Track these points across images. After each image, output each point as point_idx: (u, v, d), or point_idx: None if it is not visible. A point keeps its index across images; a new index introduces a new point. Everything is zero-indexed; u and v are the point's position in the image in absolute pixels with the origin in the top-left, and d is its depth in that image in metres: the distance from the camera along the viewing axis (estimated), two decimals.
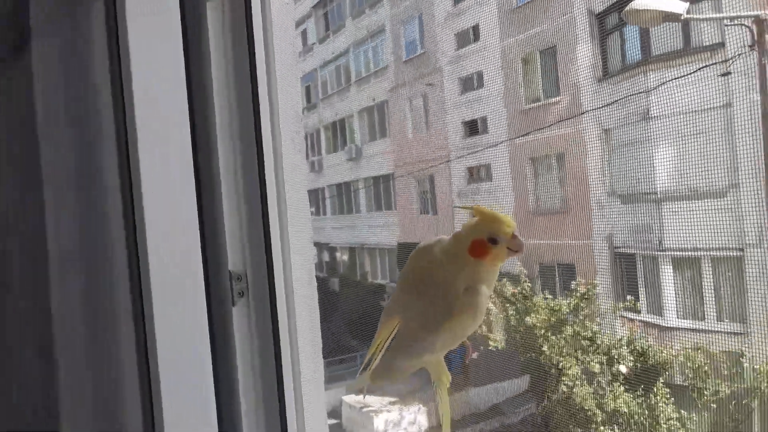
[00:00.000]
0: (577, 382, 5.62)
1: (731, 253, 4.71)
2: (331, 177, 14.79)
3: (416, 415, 8.75)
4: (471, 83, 9.02)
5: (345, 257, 14.78)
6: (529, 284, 6.48)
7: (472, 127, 8.93)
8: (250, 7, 1.01)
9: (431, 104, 10.12)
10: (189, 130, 0.93)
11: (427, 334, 0.78)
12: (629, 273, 5.68)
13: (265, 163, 0.99)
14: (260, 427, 1.00)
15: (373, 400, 9.38)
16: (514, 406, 7.71)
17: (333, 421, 9.56)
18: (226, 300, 0.96)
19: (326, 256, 15.53)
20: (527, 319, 6.17)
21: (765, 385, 4.40)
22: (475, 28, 8.82)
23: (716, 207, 4.60)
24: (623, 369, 5.51)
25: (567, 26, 5.89)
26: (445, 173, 9.56)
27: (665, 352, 5.29)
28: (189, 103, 0.94)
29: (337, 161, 14.49)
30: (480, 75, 8.65)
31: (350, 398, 9.69)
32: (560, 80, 6.23)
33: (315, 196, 15.71)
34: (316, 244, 15.45)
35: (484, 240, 0.72)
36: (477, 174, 9.00)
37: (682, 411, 4.99)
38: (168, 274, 0.89)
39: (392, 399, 9.28)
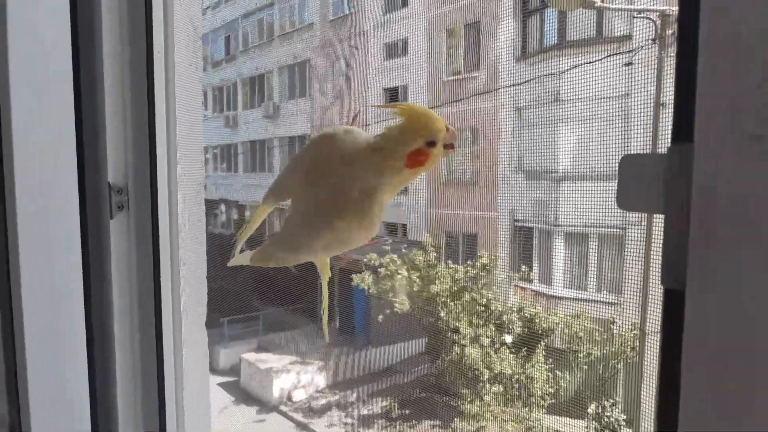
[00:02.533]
0: (469, 344, 5.99)
1: (615, 231, 5.18)
2: (246, 133, 14.34)
3: (314, 375, 8.91)
4: (395, 50, 9.06)
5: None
6: (435, 254, 6.75)
7: (393, 94, 9.00)
8: None
9: (354, 67, 10.06)
10: (69, 20, 0.82)
11: (309, 230, 0.71)
12: (526, 246, 6.07)
13: (155, 75, 0.90)
14: (135, 348, 0.94)
15: (273, 359, 9.42)
16: (410, 366, 8.07)
17: (232, 379, 9.50)
18: (104, 212, 0.90)
19: (235, 214, 15.14)
20: (432, 287, 6.42)
21: (629, 349, 4.94)
22: None
23: (607, 189, 5.02)
24: (508, 339, 5.93)
25: (492, 3, 6.07)
26: None
27: (550, 319, 5.76)
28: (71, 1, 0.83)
29: (253, 118, 14.06)
30: (405, 42, 8.70)
31: (250, 356, 9.65)
32: (481, 56, 6.43)
33: (228, 152, 15.18)
34: (225, 201, 15.00)
35: (421, 148, 0.63)
36: None
37: (557, 371, 5.51)
38: (37, 182, 0.79)
39: (291, 358, 9.37)
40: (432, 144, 0.64)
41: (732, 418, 0.37)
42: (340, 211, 0.68)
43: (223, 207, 15.18)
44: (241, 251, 0.89)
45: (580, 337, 5.42)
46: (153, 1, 0.91)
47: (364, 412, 7.90)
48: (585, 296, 5.59)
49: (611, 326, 5.19)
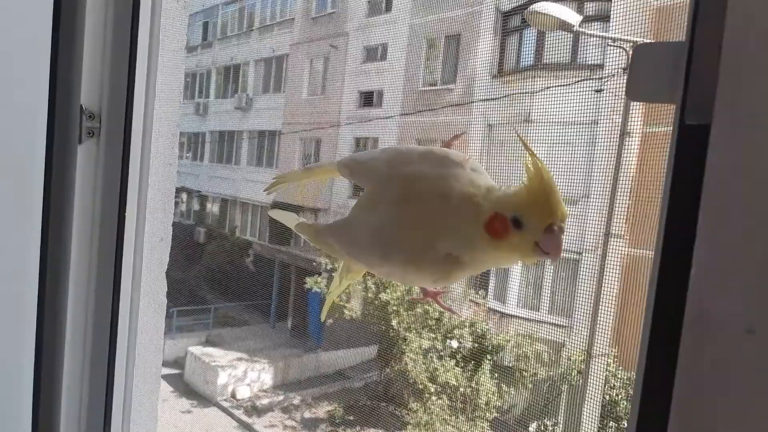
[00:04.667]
0: (416, 357, 5.99)
1: (571, 256, 5.26)
2: (216, 123, 14.10)
3: (261, 373, 8.77)
4: (375, 54, 9.06)
5: (215, 208, 14.24)
6: None
7: (368, 98, 8.99)
8: None
9: (331, 67, 10.01)
10: None
11: (378, 250, 0.62)
12: None
13: None
14: (90, 276, 0.89)
15: (220, 354, 9.23)
16: (360, 372, 8.02)
17: (176, 371, 9.26)
18: (72, 137, 0.85)
19: (196, 205, 14.83)
20: (382, 295, 6.40)
21: (575, 372, 5.02)
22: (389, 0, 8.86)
23: (570, 213, 5.11)
24: (454, 344, 5.95)
25: (474, 18, 6.13)
26: (332, 139, 9.55)
27: (500, 336, 5.81)
28: None
29: (224, 108, 13.84)
30: (385, 47, 8.71)
31: (196, 349, 9.43)
32: (459, 69, 6.48)
33: (195, 141, 14.88)
34: (187, 191, 14.70)
35: (506, 218, 0.53)
36: (364, 145, 9.10)
37: (502, 385, 5.56)
38: (4, 93, 0.75)
39: (239, 355, 9.20)
40: (518, 224, 0.53)
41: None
42: (420, 262, 0.59)
43: (184, 196, 14.86)
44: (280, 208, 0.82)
45: (528, 357, 5.48)
46: None
47: (308, 414, 7.79)
48: (537, 317, 5.65)
49: (561, 349, 5.27)
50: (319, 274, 7.64)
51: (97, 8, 0.84)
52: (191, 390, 8.91)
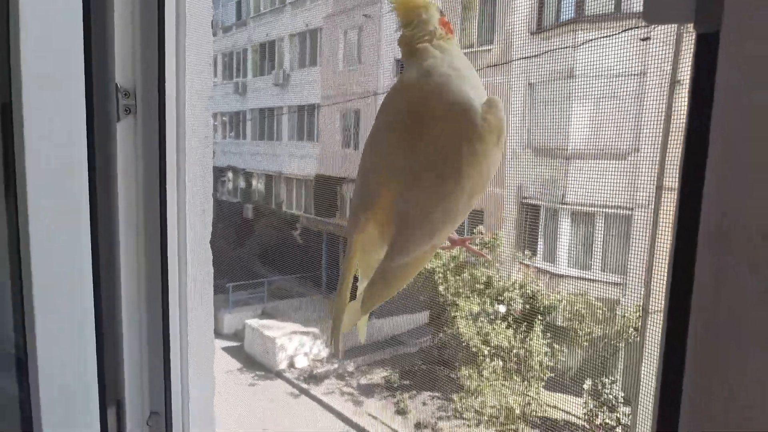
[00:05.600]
0: (467, 321, 6.03)
1: (622, 212, 5.14)
2: (255, 101, 14.25)
3: (316, 343, 9.03)
4: None
5: (261, 185, 14.52)
6: None
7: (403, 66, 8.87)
8: None
9: (366, 37, 9.91)
10: None
11: (442, 186, 0.57)
12: (532, 223, 6.05)
13: None
14: (139, 250, 0.92)
15: (276, 326, 9.54)
16: (413, 337, 8.15)
17: (236, 344, 9.65)
18: (111, 114, 0.88)
19: (242, 182, 15.16)
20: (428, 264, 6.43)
21: (632, 329, 4.96)
22: None
23: (617, 168, 4.96)
24: (502, 309, 5.95)
25: None
26: (372, 109, 9.52)
27: (552, 296, 5.77)
28: None
29: (262, 85, 13.95)
30: None
31: (254, 322, 9.78)
32: (496, 29, 6.31)
33: (236, 120, 15.12)
34: (233, 169, 15.02)
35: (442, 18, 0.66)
36: None
37: (555, 345, 5.55)
38: (43, 83, 0.78)
39: (295, 326, 9.48)
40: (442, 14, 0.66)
41: None
42: (471, 133, 0.58)
43: (230, 174, 15.20)
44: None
45: (582, 316, 5.44)
46: None
47: (364, 381, 8.01)
48: (589, 275, 5.58)
49: (615, 306, 5.20)
50: None
51: None
52: (252, 361, 9.28)
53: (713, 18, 0.40)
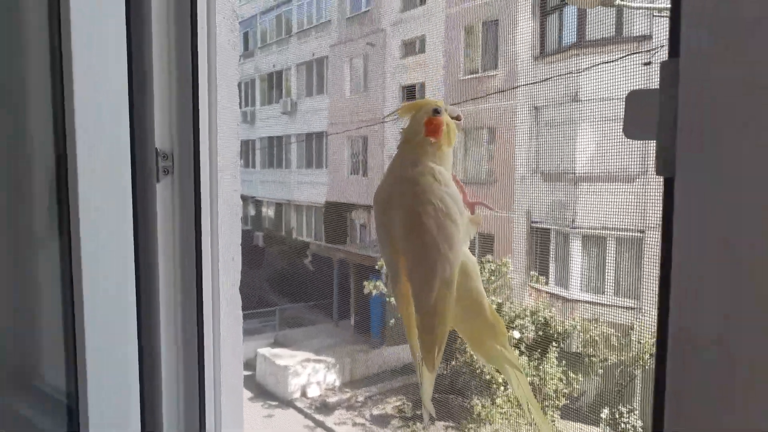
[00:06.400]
0: None
1: (634, 234, 5.07)
2: (264, 129, 14.43)
3: (328, 371, 8.95)
4: (413, 47, 9.00)
5: (271, 212, 14.60)
6: None
7: (410, 92, 8.95)
8: None
9: (371, 65, 10.02)
10: (124, 4, 0.94)
11: (427, 253, 0.70)
12: (542, 246, 5.99)
13: (198, 43, 1.00)
14: (177, 295, 1.03)
15: (288, 355, 9.48)
16: None
17: (247, 373, 9.59)
18: (151, 176, 0.98)
19: (252, 210, 15.26)
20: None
21: (647, 355, 4.85)
22: None
23: (626, 191, 4.92)
24: (516, 334, 5.87)
25: (511, 1, 5.98)
26: (379, 136, 9.58)
27: (566, 322, 5.68)
28: None
29: (270, 114, 14.13)
30: (422, 40, 8.64)
31: (266, 351, 9.73)
32: (499, 54, 6.35)
33: (245, 148, 15.29)
34: (243, 197, 15.12)
35: (430, 117, 0.72)
36: None
37: (570, 373, 5.44)
38: (94, 147, 0.91)
39: (306, 354, 9.42)
40: (437, 112, 0.72)
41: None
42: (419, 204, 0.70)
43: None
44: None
45: (597, 342, 5.34)
46: None
47: (376, 411, 7.90)
48: (602, 300, 5.50)
49: (630, 331, 5.10)
50: (378, 271, 7.69)
51: (162, 66, 0.99)
52: (264, 390, 9.20)
53: (669, 166, 0.45)
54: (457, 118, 0.75)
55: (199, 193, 1.02)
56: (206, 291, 1.04)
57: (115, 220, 0.94)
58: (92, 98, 0.90)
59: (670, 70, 0.46)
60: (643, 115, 0.48)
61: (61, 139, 0.90)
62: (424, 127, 0.72)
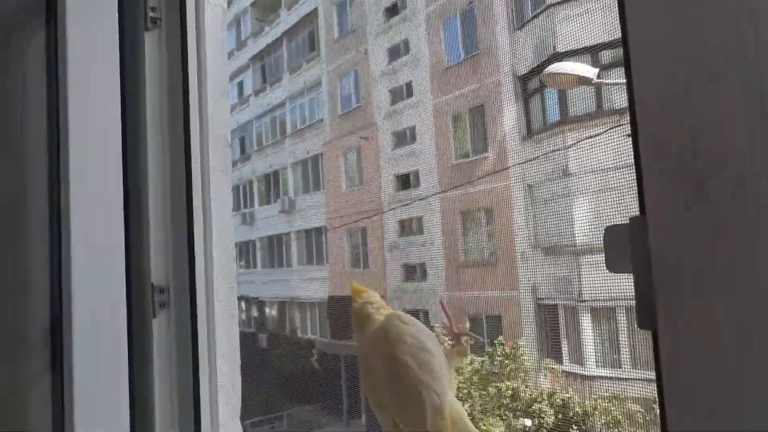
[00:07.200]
0: None
1: None
2: (263, 229, 14.57)
3: None
4: (404, 138, 9.32)
5: (274, 312, 14.39)
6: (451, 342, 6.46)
7: (405, 181, 9.15)
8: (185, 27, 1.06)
9: (365, 158, 10.33)
10: (120, 144, 0.97)
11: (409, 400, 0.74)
12: (552, 323, 5.87)
13: (193, 183, 1.03)
14: None
15: None
16: None
17: None
18: (147, 311, 0.98)
19: (255, 311, 15.03)
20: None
21: None
22: (408, 85, 9.22)
23: None
24: (528, 422, 5.60)
25: (494, 87, 6.28)
26: (377, 225, 9.67)
27: (586, 402, 5.43)
28: (122, 117, 0.98)
29: (269, 213, 14.34)
30: (413, 130, 8.97)
31: None
32: (488, 137, 6.57)
33: (246, 249, 15.35)
34: (245, 299, 14.96)
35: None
36: (409, 227, 9.15)
37: None
38: (90, 283, 0.92)
39: None
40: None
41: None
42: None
43: (243, 305, 15.12)
44: None
45: (619, 421, 5.06)
46: (191, 112, 1.04)
47: None
48: (620, 375, 5.29)
49: (653, 405, 4.86)
50: None
51: (158, 201, 1.03)
52: None
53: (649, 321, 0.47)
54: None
55: (196, 327, 1.02)
56: (204, 423, 1.02)
57: (111, 357, 0.93)
58: (89, 237, 0.92)
59: (639, 224, 0.47)
60: (620, 250, 0.49)
61: (55, 278, 0.92)
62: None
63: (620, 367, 5.35)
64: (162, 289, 1.00)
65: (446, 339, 0.89)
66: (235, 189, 15.80)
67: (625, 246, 0.48)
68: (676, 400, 0.45)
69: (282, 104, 14.33)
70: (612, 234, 0.51)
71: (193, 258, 1.01)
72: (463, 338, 0.82)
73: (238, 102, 16.02)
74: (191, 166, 1.02)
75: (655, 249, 0.45)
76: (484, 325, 6.64)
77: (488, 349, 6.18)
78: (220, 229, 1.06)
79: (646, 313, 0.46)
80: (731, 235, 0.42)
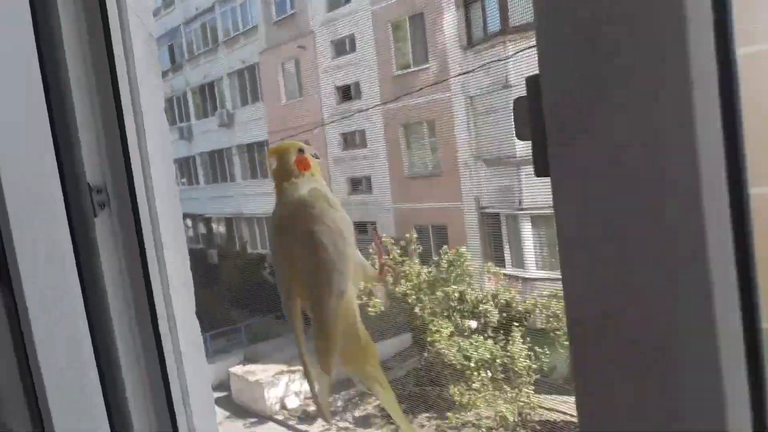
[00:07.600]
0: (446, 339, 6.04)
1: None
2: (203, 144, 14.06)
3: (302, 383, 8.88)
4: (343, 47, 8.94)
5: (222, 228, 14.28)
6: (399, 250, 6.66)
7: (345, 93, 8.90)
8: None
9: (303, 68, 9.91)
10: (33, 38, 0.90)
11: (319, 266, 0.79)
12: (495, 231, 6.12)
13: (119, 77, 0.99)
14: (132, 329, 1.02)
15: (260, 370, 9.35)
16: (400, 361, 8.11)
17: (223, 394, 9.40)
18: (88, 212, 0.97)
19: (202, 228, 14.88)
20: (397, 288, 6.40)
21: None
22: None
23: None
24: (473, 324, 6.00)
25: None
26: (320, 139, 9.51)
27: (527, 301, 5.83)
28: (32, 15, 0.90)
29: (207, 128, 13.78)
30: (352, 39, 8.59)
31: (237, 369, 9.56)
32: (429, 48, 6.39)
33: (186, 165, 14.86)
34: (191, 216, 14.73)
35: (297, 156, 0.85)
36: (352, 140, 9.05)
37: (537, 348, 5.60)
38: (25, 191, 0.89)
39: (279, 367, 9.31)
40: (302, 152, 0.85)
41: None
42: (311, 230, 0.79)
43: (189, 222, 14.91)
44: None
45: (558, 316, 5.50)
46: (108, 6, 0.98)
47: (358, 413, 7.92)
48: (558, 275, 5.66)
49: None
50: None
51: (84, 99, 0.98)
52: (242, 409, 9.07)
53: (543, 164, 0.54)
54: (315, 156, 0.86)
55: (140, 222, 1.01)
56: (161, 321, 1.03)
57: (57, 262, 0.91)
58: (16, 143, 0.88)
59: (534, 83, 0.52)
60: (525, 119, 0.55)
61: None
62: (295, 166, 0.83)
63: (558, 269, 5.72)
64: (99, 188, 0.99)
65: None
66: (168, 102, 14.95)
67: (525, 108, 0.53)
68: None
69: (211, 9, 13.32)
70: (518, 104, 0.55)
71: (128, 153, 1.00)
72: (386, 268, 0.86)
73: (163, 5, 14.75)
74: (114, 62, 0.98)
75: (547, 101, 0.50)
76: (431, 235, 6.86)
77: (435, 257, 6.44)
78: (152, 124, 1.03)
79: (539, 162, 0.52)
80: (618, 76, 0.45)
